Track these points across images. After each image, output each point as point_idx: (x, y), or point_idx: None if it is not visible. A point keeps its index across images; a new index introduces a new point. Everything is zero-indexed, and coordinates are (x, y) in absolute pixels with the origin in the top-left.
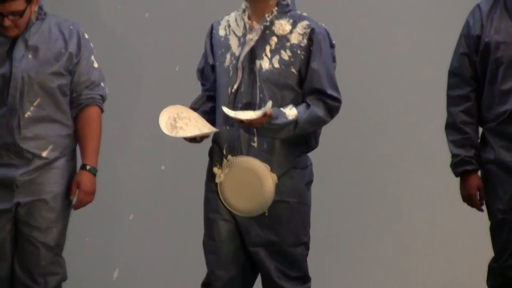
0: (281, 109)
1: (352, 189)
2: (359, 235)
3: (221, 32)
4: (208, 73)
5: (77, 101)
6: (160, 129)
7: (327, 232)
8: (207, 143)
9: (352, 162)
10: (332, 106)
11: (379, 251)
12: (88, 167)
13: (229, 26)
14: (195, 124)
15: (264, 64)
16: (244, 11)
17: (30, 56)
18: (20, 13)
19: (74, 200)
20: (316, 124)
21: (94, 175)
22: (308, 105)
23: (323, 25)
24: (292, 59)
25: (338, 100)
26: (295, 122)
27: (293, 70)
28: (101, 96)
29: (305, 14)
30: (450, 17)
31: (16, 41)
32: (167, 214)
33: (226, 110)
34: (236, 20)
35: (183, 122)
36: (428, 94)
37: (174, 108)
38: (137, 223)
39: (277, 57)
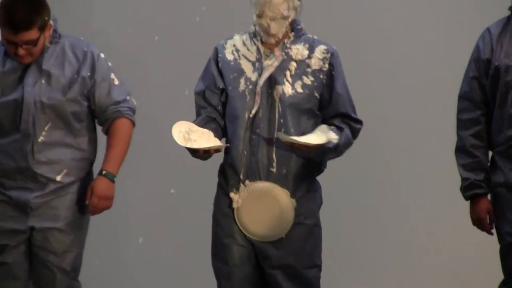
0: (329, 134)
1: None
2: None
3: (229, 56)
4: (210, 96)
5: (105, 118)
6: (169, 152)
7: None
8: (215, 166)
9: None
10: (356, 128)
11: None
12: (104, 172)
13: (237, 50)
14: (208, 138)
15: (287, 89)
16: (254, 35)
17: (43, 81)
18: (34, 42)
19: (89, 205)
20: (349, 146)
21: (111, 180)
22: (341, 129)
23: (334, 47)
24: (315, 84)
25: (361, 122)
26: (337, 145)
27: (316, 94)
28: (129, 108)
29: (316, 37)
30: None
31: (30, 66)
32: (176, 238)
33: (287, 138)
34: (244, 44)
35: (196, 135)
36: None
37: (185, 123)
38: (147, 246)
39: (299, 82)
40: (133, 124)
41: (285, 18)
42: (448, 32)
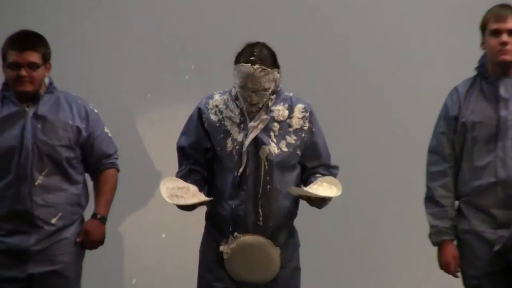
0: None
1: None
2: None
3: (214, 117)
4: (193, 153)
5: (96, 168)
6: (160, 199)
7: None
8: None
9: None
10: (335, 174)
11: None
12: (98, 216)
13: (220, 111)
14: (193, 193)
15: (273, 149)
16: (236, 97)
17: (39, 125)
18: (36, 66)
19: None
20: None
21: (104, 223)
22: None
23: (308, 101)
24: (298, 142)
25: (338, 168)
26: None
27: (298, 152)
28: (117, 159)
29: (291, 94)
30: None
31: (26, 112)
32: (168, 279)
33: (293, 189)
34: (226, 105)
35: (182, 191)
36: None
37: (172, 179)
38: (140, 287)
39: (283, 141)
40: (118, 171)
41: (265, 90)
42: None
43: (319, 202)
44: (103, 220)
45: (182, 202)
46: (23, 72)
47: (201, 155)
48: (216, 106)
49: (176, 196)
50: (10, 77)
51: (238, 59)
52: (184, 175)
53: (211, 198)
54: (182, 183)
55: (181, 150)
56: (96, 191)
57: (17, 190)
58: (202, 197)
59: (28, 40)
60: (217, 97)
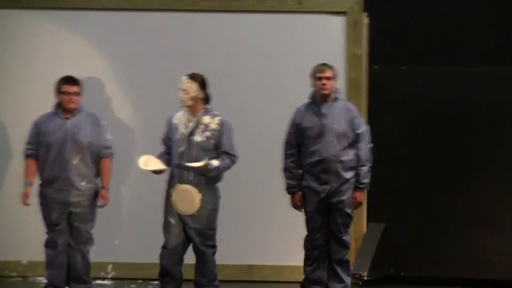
0: (210, 161)
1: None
2: None
3: (175, 121)
4: (167, 142)
5: (99, 155)
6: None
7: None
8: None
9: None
10: (233, 159)
11: None
12: (104, 187)
13: (178, 118)
14: (157, 164)
15: (197, 138)
16: (185, 112)
17: (74, 130)
18: (78, 94)
19: (100, 203)
20: (227, 168)
21: (107, 190)
22: (222, 159)
23: (227, 118)
24: (212, 136)
25: (235, 156)
26: (218, 167)
27: (212, 141)
28: (111, 153)
29: (218, 112)
30: None
31: (68, 121)
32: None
33: (187, 164)
34: (182, 115)
35: (151, 162)
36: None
37: (147, 156)
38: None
39: (204, 134)
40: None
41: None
42: None
43: (197, 171)
44: (108, 189)
45: (151, 168)
46: (73, 98)
47: (169, 143)
48: (177, 116)
49: (147, 165)
50: (64, 99)
51: None
52: (160, 155)
53: (168, 167)
54: (153, 158)
55: (163, 142)
56: (101, 171)
57: (64, 165)
58: (163, 166)
59: (74, 80)
60: (180, 113)
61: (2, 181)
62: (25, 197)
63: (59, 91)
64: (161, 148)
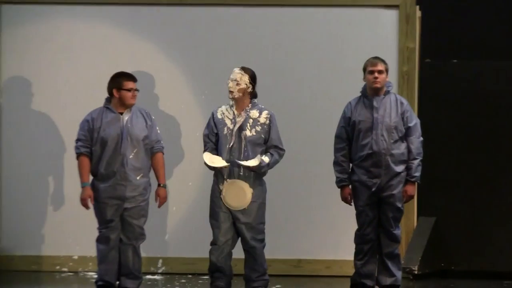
0: (263, 158)
1: None
2: None
3: (219, 116)
4: (211, 137)
5: (152, 149)
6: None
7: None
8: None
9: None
10: (281, 153)
11: None
12: (162, 184)
13: (223, 113)
14: (222, 161)
15: (247, 133)
16: (232, 106)
17: (129, 125)
18: (135, 91)
19: (158, 202)
20: (277, 163)
21: (165, 187)
22: (272, 154)
23: (272, 111)
24: (262, 130)
25: (283, 150)
26: (268, 163)
27: (262, 136)
28: (163, 147)
29: (263, 106)
30: None
31: (122, 116)
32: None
33: (241, 162)
34: (227, 110)
35: (216, 159)
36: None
37: (208, 154)
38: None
39: (254, 129)
40: (163, 154)
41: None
42: None
43: (251, 169)
44: (165, 186)
45: (216, 165)
46: (135, 94)
47: (215, 138)
48: (221, 111)
49: (213, 162)
50: (129, 97)
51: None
52: (212, 151)
53: (229, 164)
54: (214, 156)
55: (205, 136)
56: (155, 166)
57: (121, 159)
58: (225, 163)
59: (133, 76)
60: (223, 107)
61: (54, 178)
62: (90, 199)
63: (119, 88)
64: (198, 144)
